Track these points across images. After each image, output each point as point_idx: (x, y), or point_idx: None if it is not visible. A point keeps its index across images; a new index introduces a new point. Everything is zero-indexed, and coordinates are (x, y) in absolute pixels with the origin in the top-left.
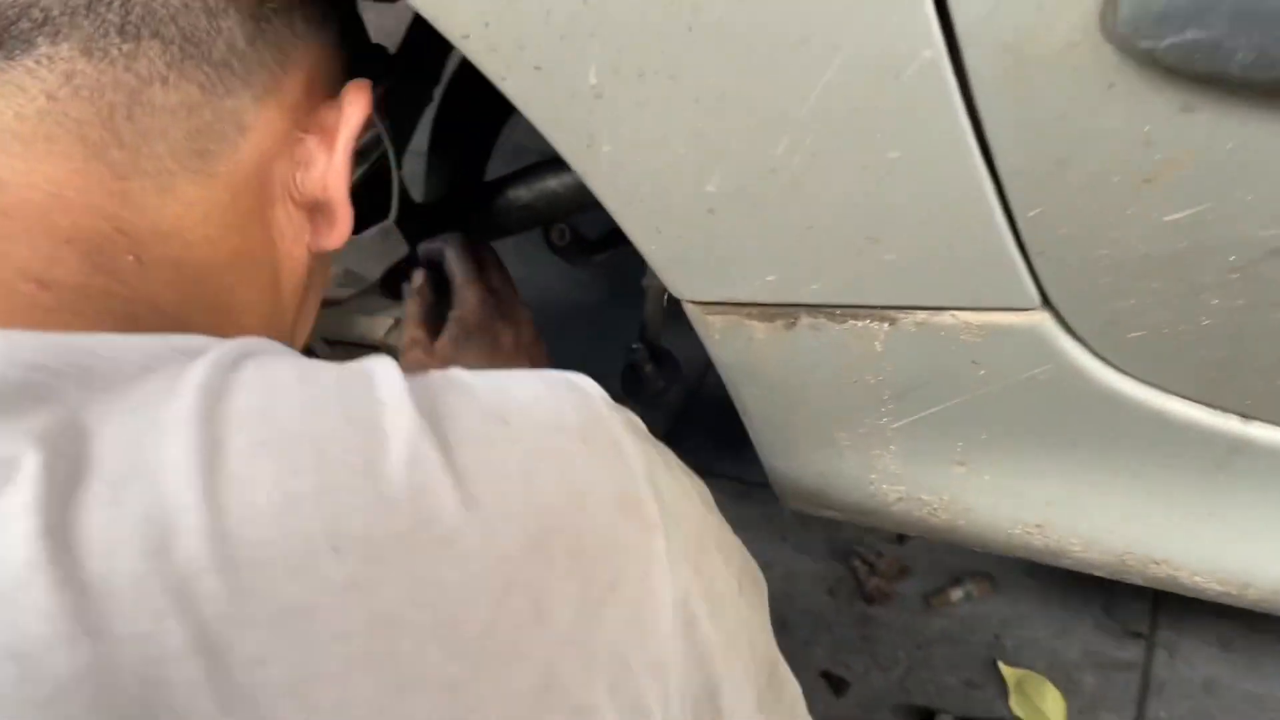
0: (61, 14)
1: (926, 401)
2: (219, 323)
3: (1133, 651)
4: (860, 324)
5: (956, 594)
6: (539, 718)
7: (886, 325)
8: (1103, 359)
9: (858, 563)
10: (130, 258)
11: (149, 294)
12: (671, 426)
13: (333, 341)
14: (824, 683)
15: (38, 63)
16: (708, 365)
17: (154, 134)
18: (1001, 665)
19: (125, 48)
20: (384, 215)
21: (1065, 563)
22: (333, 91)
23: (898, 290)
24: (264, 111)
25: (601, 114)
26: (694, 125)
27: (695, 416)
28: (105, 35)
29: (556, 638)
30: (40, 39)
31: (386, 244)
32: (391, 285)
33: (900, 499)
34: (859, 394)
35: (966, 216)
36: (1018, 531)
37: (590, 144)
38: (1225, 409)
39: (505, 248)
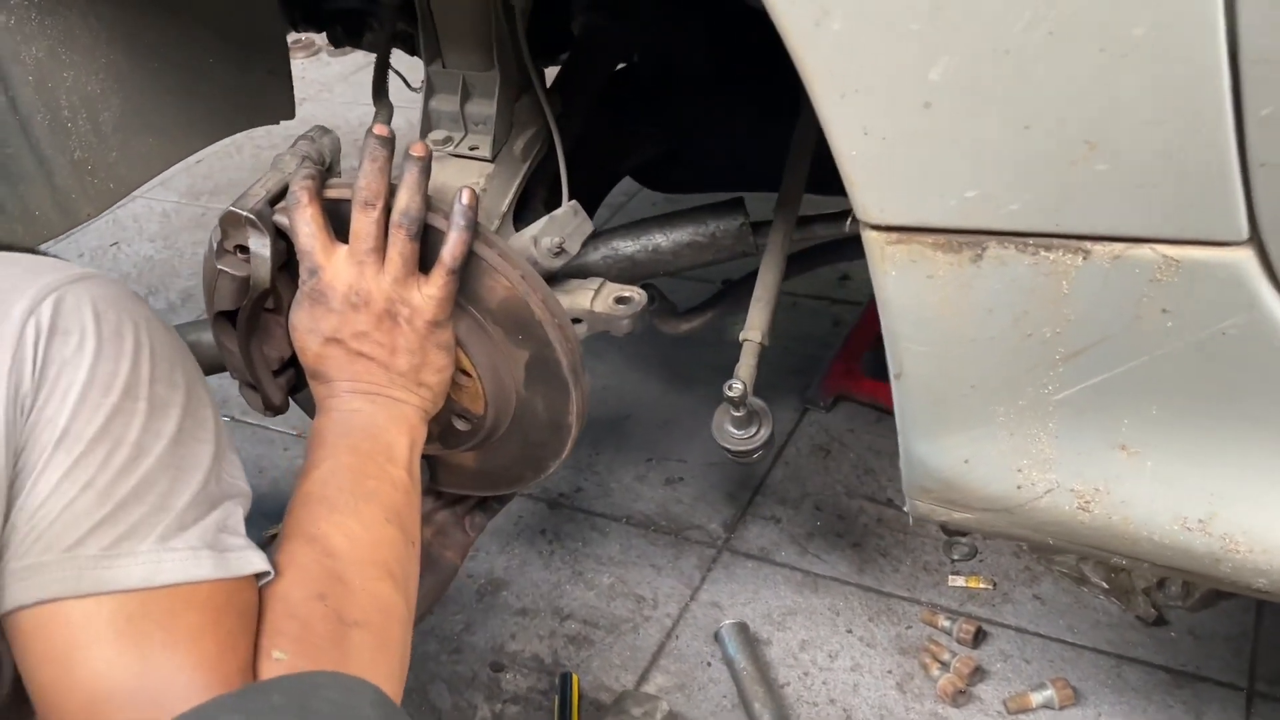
0: None
1: (1101, 363)
2: None
3: None
4: (1051, 257)
5: (1037, 699)
6: None
7: (1080, 259)
8: None
9: (929, 660)
10: None
11: None
12: (743, 511)
13: None
14: None
15: None
16: (775, 459)
17: None
18: None
19: None
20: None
21: (1223, 571)
22: None
23: (1101, 214)
24: None
25: None
26: None
27: (762, 510)
28: None
29: None
30: None
31: (578, 219)
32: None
33: (1049, 491)
34: (1031, 352)
35: (1193, 112)
36: (1177, 529)
37: (820, 20)
38: None
39: None
